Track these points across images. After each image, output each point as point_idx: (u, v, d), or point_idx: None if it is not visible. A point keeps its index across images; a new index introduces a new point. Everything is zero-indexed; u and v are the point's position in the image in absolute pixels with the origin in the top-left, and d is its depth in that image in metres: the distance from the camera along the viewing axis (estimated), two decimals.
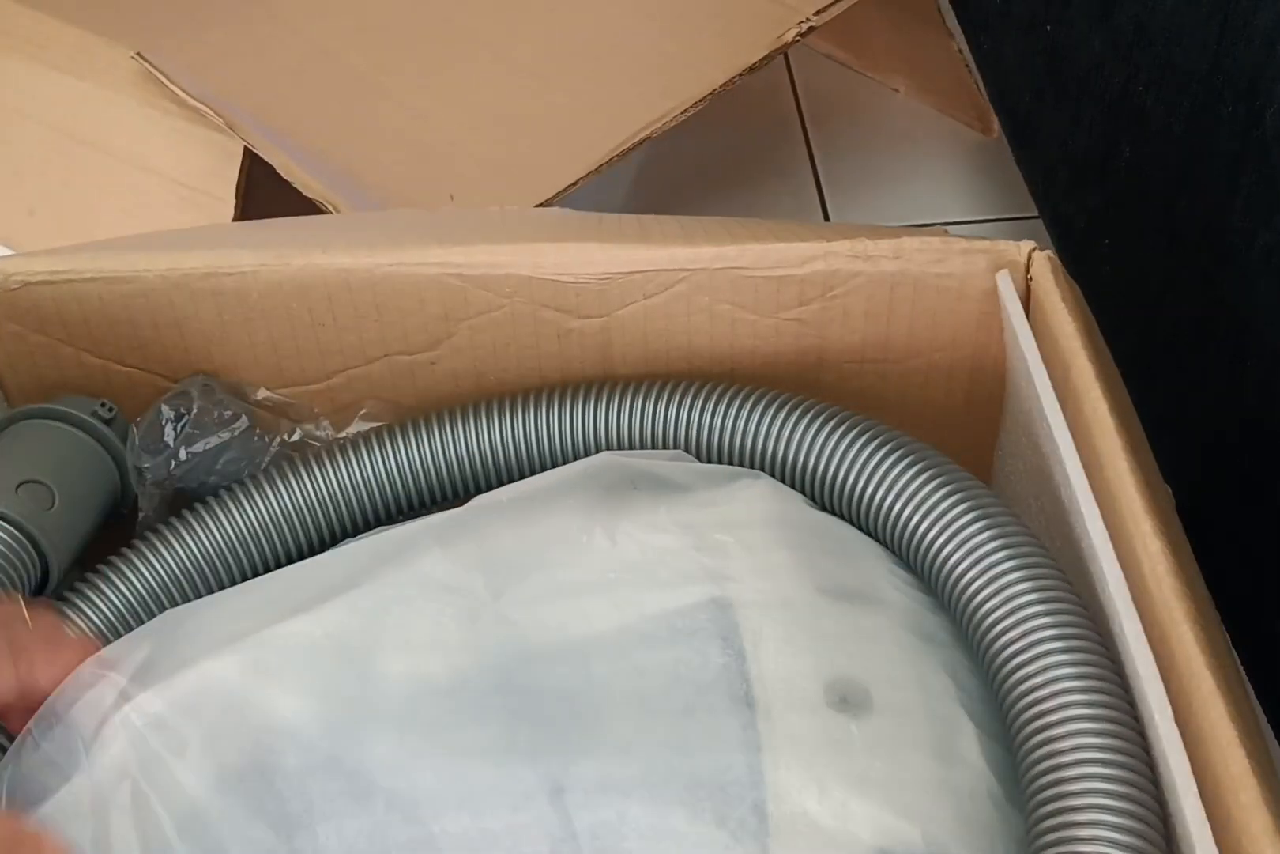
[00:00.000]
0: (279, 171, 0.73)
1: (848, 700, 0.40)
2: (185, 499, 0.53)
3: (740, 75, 0.78)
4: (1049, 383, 0.46)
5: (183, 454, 0.52)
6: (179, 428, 0.52)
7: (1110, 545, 0.41)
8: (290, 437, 0.53)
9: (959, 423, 0.55)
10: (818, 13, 0.80)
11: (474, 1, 0.85)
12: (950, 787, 0.39)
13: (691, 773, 0.38)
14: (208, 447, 0.52)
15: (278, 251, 0.51)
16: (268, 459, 0.53)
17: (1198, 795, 0.34)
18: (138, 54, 0.78)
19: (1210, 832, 0.33)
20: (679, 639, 0.41)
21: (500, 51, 0.82)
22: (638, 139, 0.75)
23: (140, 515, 0.53)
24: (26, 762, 0.40)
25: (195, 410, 0.52)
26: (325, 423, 0.54)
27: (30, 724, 0.41)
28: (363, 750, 0.39)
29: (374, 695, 0.41)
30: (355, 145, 0.77)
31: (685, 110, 0.76)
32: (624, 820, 0.38)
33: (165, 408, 0.52)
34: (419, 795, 0.38)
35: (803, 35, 0.80)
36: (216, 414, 0.52)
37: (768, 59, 0.79)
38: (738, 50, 0.79)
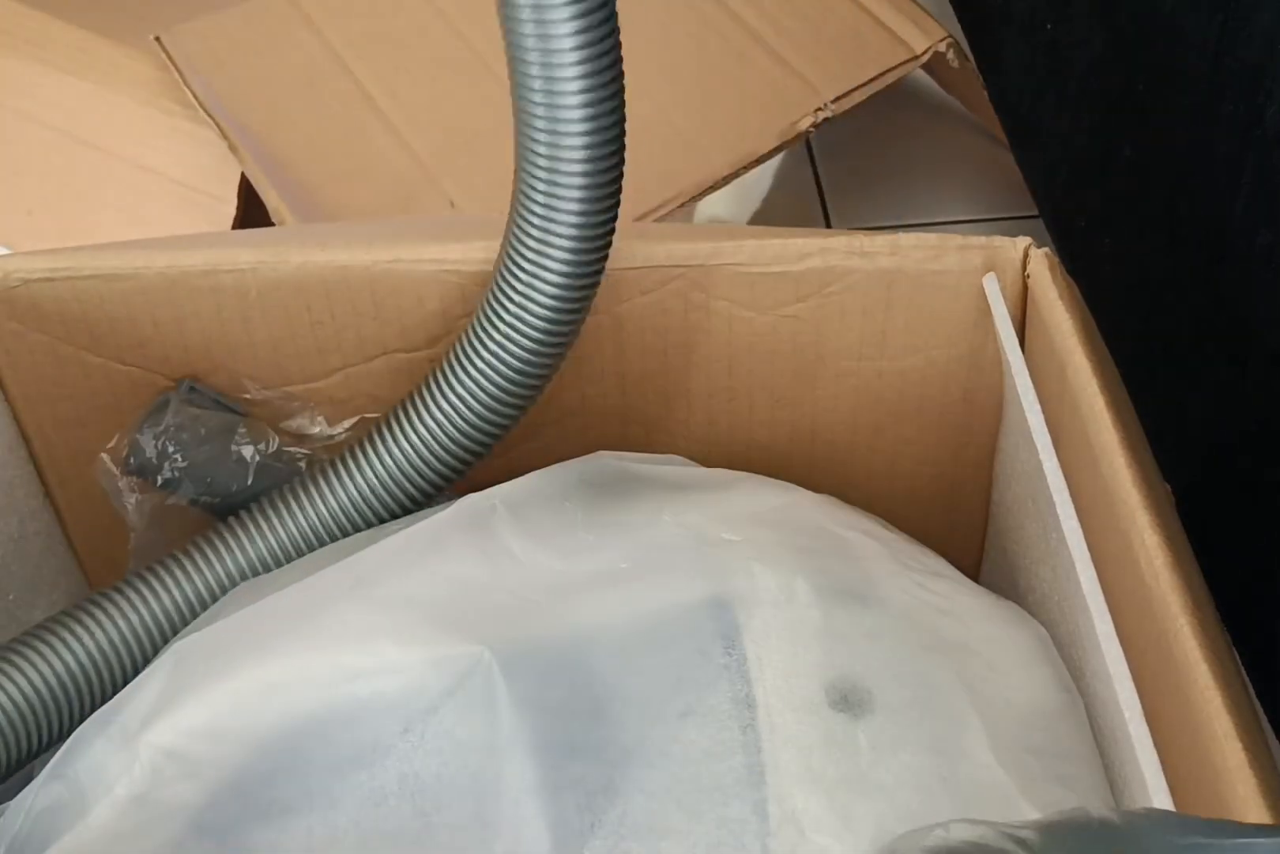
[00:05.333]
0: (271, 215, 0.73)
1: (849, 700, 0.40)
2: (176, 515, 0.53)
3: (747, 166, 0.76)
4: (1034, 397, 0.46)
5: (167, 470, 0.52)
6: (158, 445, 0.52)
7: (1085, 547, 0.41)
8: (270, 447, 0.53)
9: (957, 421, 0.54)
10: (836, 100, 0.79)
11: (493, 27, 0.84)
12: (953, 785, 0.39)
13: (692, 773, 0.38)
14: (191, 462, 0.52)
15: (276, 249, 0.51)
16: (251, 472, 0.52)
17: (1169, 795, 0.34)
18: (157, 38, 0.78)
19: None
20: (680, 639, 0.41)
21: (507, 94, 0.80)
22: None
23: (132, 533, 0.53)
24: (29, 813, 0.41)
25: (174, 427, 0.52)
26: (320, 419, 0.54)
27: (36, 780, 0.41)
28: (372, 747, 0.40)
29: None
30: (345, 186, 0.76)
31: (683, 204, 0.73)
32: (624, 820, 0.38)
33: (146, 425, 0.52)
34: (424, 785, 0.39)
35: (816, 125, 0.78)
36: (194, 430, 0.52)
37: (779, 149, 0.77)
38: (751, 136, 0.77)
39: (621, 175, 0.46)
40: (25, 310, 0.52)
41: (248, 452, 0.52)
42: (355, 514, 0.49)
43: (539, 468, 0.49)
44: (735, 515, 0.47)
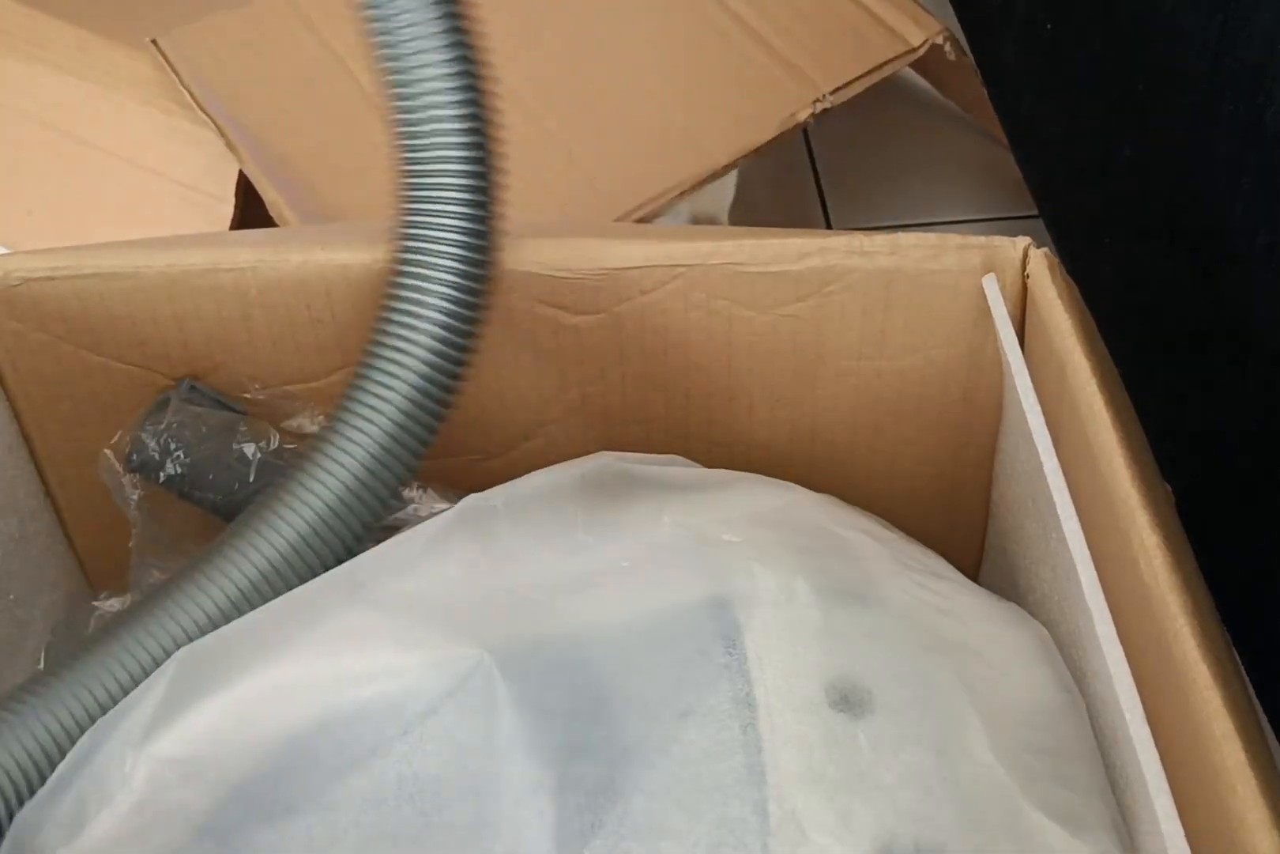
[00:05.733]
0: (269, 209, 0.73)
1: (849, 700, 0.40)
2: (178, 512, 0.53)
3: (745, 157, 0.76)
4: (1035, 398, 0.46)
5: (169, 467, 0.52)
6: (160, 442, 0.52)
7: (1085, 547, 0.41)
8: (271, 445, 0.53)
9: (957, 421, 0.54)
10: (834, 91, 0.79)
11: (493, 28, 0.83)
12: (953, 785, 0.39)
13: (692, 773, 0.38)
14: (193, 459, 0.52)
15: (276, 248, 0.51)
16: (253, 469, 0.52)
17: (1170, 795, 0.34)
18: (153, 40, 0.77)
19: (1182, 831, 0.33)
20: (680, 639, 0.41)
21: (506, 82, 0.80)
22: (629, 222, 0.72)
23: (133, 530, 0.53)
24: (33, 823, 0.41)
25: (175, 424, 0.52)
26: (320, 419, 0.53)
27: (41, 790, 0.41)
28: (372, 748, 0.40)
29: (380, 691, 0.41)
30: (345, 185, 0.76)
31: (682, 193, 0.73)
32: (624, 820, 0.38)
33: (147, 423, 0.52)
34: (425, 786, 0.39)
35: (815, 116, 0.78)
36: (195, 427, 0.52)
37: (778, 141, 0.77)
38: (750, 127, 0.77)
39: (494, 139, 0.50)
40: (26, 309, 0.52)
41: (249, 449, 0.52)
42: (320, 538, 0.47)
43: (539, 468, 0.49)
44: (735, 515, 0.47)
